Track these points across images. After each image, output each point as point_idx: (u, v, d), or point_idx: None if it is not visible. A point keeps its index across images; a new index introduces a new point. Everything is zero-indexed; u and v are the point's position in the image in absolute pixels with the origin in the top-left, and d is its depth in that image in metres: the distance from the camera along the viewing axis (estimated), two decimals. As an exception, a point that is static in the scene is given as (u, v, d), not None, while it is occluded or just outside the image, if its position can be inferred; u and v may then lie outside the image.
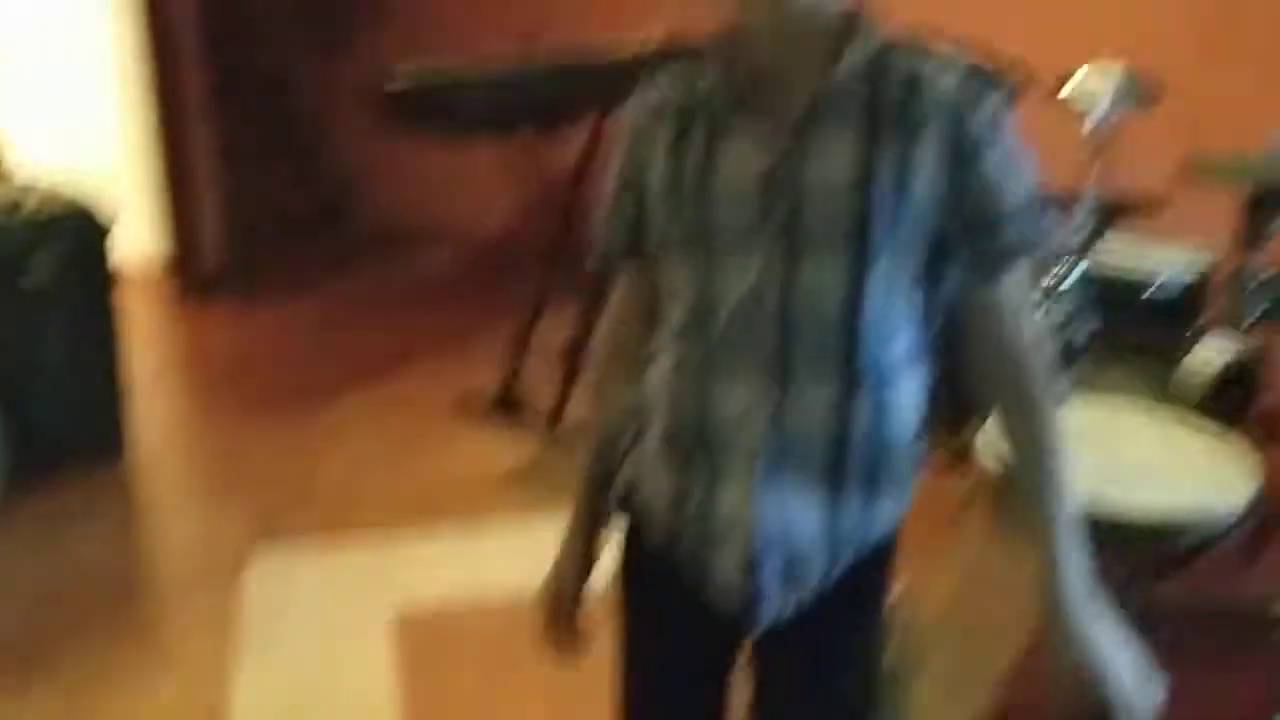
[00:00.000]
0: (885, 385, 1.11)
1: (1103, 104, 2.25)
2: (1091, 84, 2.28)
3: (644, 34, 3.45)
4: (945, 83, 1.08)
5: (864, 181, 1.06)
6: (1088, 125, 2.29)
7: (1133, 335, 2.43)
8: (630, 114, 1.22)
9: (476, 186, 4.72)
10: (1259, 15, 3.23)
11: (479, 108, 2.94)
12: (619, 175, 1.23)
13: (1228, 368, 1.72)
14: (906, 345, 1.13)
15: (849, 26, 1.11)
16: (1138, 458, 1.56)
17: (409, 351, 3.88)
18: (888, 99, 1.08)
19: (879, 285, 1.08)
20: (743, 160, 1.11)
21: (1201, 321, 2.56)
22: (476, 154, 4.31)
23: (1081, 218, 2.34)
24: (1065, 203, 2.40)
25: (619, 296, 1.30)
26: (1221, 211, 2.40)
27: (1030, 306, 1.16)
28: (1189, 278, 2.65)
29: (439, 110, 2.97)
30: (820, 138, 1.08)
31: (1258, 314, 2.44)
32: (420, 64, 2.94)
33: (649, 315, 1.25)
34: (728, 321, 1.12)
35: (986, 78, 1.11)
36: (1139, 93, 2.36)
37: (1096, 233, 2.42)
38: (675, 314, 1.18)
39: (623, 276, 1.29)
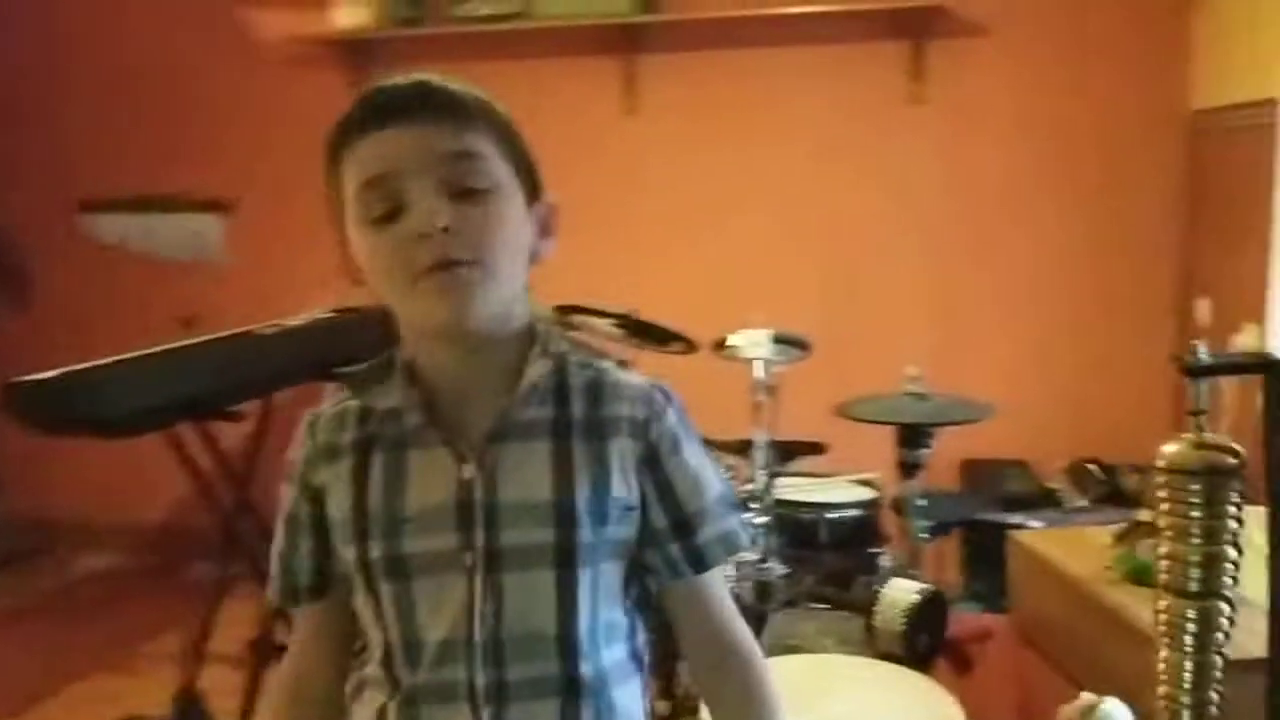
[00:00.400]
0: (608, 687, 1.08)
1: (762, 360, 2.41)
2: (749, 344, 2.45)
3: (312, 308, 3.40)
4: (629, 390, 1.11)
5: (562, 497, 1.05)
6: (752, 379, 2.45)
7: (818, 567, 2.54)
8: (298, 444, 1.15)
9: (138, 474, 4.37)
10: (872, 273, 3.70)
11: (127, 404, 2.69)
12: (291, 511, 1.15)
13: (916, 608, 1.78)
14: (625, 646, 1.11)
15: (530, 337, 1.11)
16: (848, 712, 1.58)
17: (64, 672, 3.42)
18: (575, 411, 1.09)
19: (590, 595, 1.06)
20: (433, 483, 1.06)
21: (879, 546, 2.76)
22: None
23: (758, 464, 2.46)
24: (741, 450, 2.52)
25: (300, 637, 1.19)
26: (884, 443, 2.58)
27: (728, 595, 1.18)
28: (861, 507, 2.81)
29: (82, 410, 2.70)
30: (512, 456, 1.06)
31: (924, 532, 2.65)
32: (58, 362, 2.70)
33: (337, 655, 1.16)
34: (435, 654, 1.05)
35: (661, 384, 1.14)
36: (791, 348, 2.56)
37: (772, 476, 2.55)
38: (375, 650, 1.09)
39: (304, 615, 1.18)
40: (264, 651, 3.13)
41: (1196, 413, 1.26)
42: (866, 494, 2.85)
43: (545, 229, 1.12)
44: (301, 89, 3.95)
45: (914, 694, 1.62)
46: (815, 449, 2.75)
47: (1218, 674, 1.27)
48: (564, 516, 1.04)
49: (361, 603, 1.10)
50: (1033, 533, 1.96)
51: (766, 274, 3.73)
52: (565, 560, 1.04)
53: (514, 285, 1.08)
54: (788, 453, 2.67)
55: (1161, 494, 1.27)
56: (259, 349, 3.02)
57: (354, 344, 3.31)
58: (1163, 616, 1.29)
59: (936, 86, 3.63)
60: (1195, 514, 1.24)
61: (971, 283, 3.69)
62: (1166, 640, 1.29)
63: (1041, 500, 3.35)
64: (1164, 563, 1.28)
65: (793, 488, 2.74)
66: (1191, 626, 1.26)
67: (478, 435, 1.07)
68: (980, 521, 2.67)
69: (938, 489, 2.88)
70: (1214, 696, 1.27)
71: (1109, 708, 1.35)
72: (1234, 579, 1.25)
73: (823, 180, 3.74)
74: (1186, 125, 3.46)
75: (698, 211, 3.82)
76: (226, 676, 2.99)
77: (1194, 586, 1.26)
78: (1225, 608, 1.25)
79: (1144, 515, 1.70)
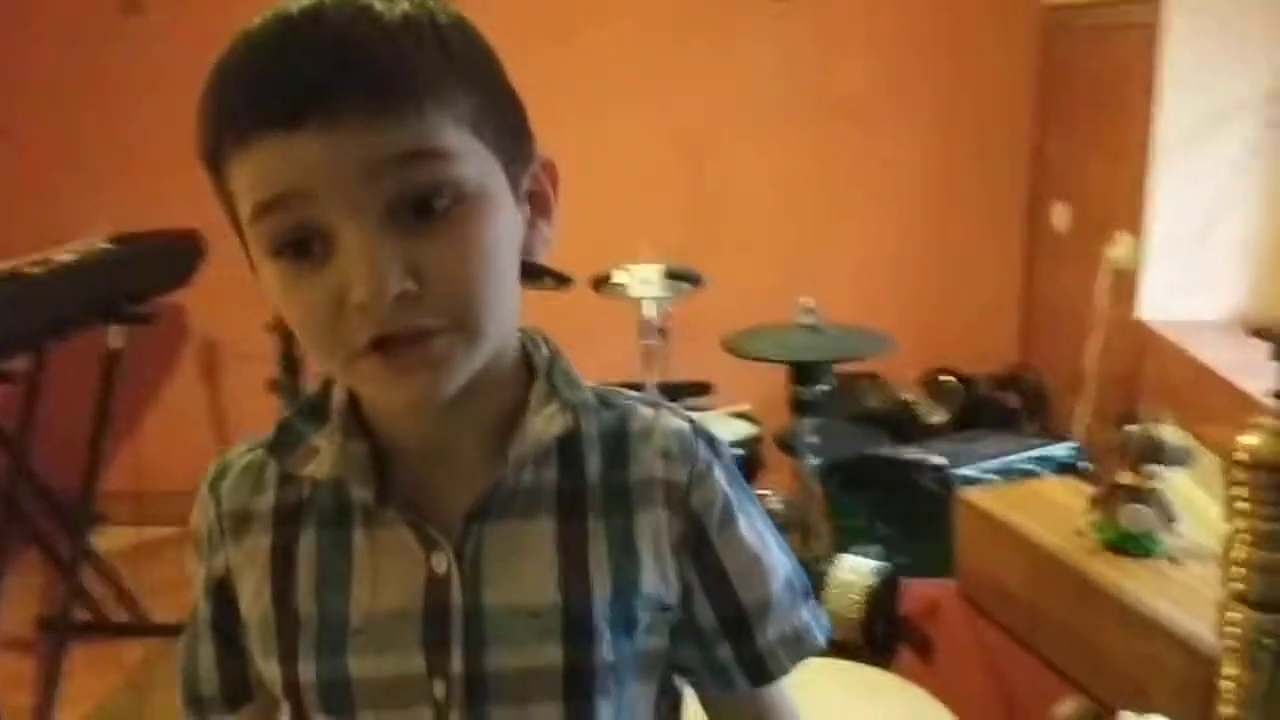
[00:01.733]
0: None
1: (651, 295, 2.14)
2: (638, 280, 2.17)
3: (85, 240, 2.87)
4: (662, 439, 0.78)
5: (573, 598, 0.73)
6: (641, 316, 2.18)
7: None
8: (198, 507, 0.81)
9: None
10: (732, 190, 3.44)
11: None
12: (198, 601, 0.82)
13: (873, 592, 1.58)
14: None
15: (528, 370, 0.78)
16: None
17: None
18: (591, 473, 0.76)
19: None
20: (390, 579, 0.74)
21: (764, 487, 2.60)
22: None
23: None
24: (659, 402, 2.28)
25: None
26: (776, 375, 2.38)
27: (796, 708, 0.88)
28: (741, 445, 2.62)
29: None
30: (503, 541, 0.74)
31: (812, 469, 2.49)
32: None
33: None
34: None
35: (704, 428, 0.82)
36: (681, 283, 2.30)
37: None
38: None
39: None
40: (57, 631, 2.73)
41: (1286, 397, 1.07)
42: (746, 430, 2.66)
43: (542, 206, 0.76)
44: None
45: (903, 704, 1.42)
46: (702, 389, 2.52)
47: (1296, 695, 1.11)
48: (576, 627, 0.74)
49: None
50: (986, 492, 1.79)
51: (627, 197, 3.40)
52: (578, 688, 0.74)
53: (507, 325, 0.74)
54: (673, 395, 2.42)
55: (1239, 491, 1.09)
56: (25, 292, 2.49)
57: (140, 280, 2.92)
58: (1232, 630, 1.12)
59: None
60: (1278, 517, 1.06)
61: (827, 194, 3.49)
62: (1235, 656, 1.12)
63: (899, 415, 3.26)
64: (1237, 569, 1.10)
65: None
66: (1269, 642, 1.09)
67: (455, 511, 0.74)
68: (873, 457, 2.52)
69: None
70: (1291, 718, 1.12)
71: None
72: (1321, 588, 1.08)
73: (676, 89, 3.41)
74: (1038, 23, 3.34)
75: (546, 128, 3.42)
76: (13, 665, 2.58)
77: (1276, 597, 1.08)
78: (1309, 620, 1.09)
79: (1123, 477, 1.54)
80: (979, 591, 1.72)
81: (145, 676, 2.75)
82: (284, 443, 0.78)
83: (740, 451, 2.56)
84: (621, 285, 2.24)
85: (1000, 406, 3.29)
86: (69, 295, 2.67)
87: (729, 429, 2.62)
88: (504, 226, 0.70)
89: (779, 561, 0.82)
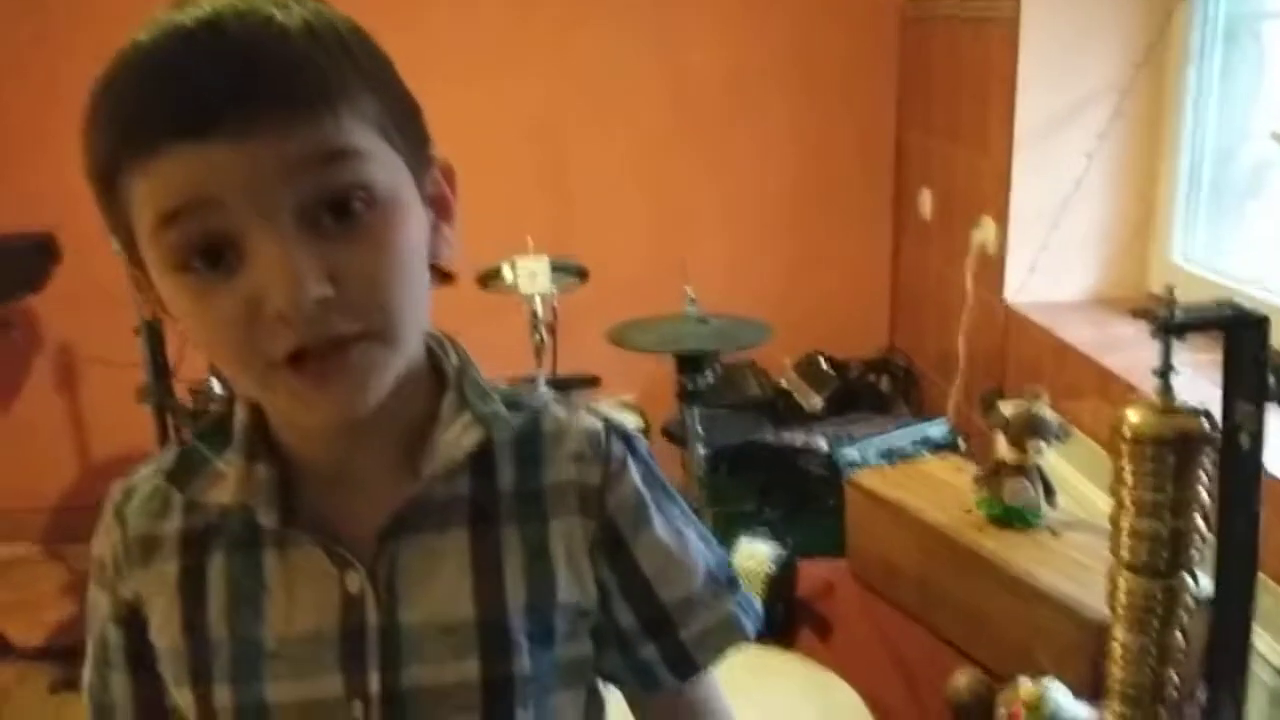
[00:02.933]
0: None
1: (540, 290, 2.13)
2: (524, 274, 2.16)
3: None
4: (574, 439, 0.77)
5: (489, 612, 0.73)
6: (530, 311, 2.17)
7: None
8: (102, 532, 0.78)
9: None
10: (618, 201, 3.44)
11: None
12: (99, 632, 0.79)
13: (773, 580, 1.62)
14: None
15: (438, 379, 0.76)
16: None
17: None
18: (503, 481, 0.75)
19: None
20: (304, 600, 0.73)
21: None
22: None
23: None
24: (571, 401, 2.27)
25: None
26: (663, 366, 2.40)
27: (725, 699, 0.88)
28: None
29: None
30: (417, 556, 0.73)
31: (702, 457, 2.52)
32: None
33: None
34: None
35: (619, 426, 0.81)
36: (567, 276, 2.30)
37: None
38: None
39: None
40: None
41: (1165, 373, 1.13)
42: (633, 421, 2.67)
43: (443, 209, 0.75)
44: None
45: (804, 682, 1.46)
46: (591, 382, 2.52)
47: (1180, 655, 1.18)
48: (493, 640, 0.73)
49: None
50: (871, 473, 1.84)
51: (500, 191, 3.35)
52: (497, 702, 0.73)
53: (420, 331, 0.73)
54: (562, 388, 2.42)
55: (1125, 464, 1.15)
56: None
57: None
58: (1122, 597, 1.18)
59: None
60: (1163, 488, 1.13)
61: (699, 185, 3.53)
62: (1124, 622, 1.19)
63: (776, 401, 3.33)
64: (1127, 540, 1.16)
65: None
66: (1157, 607, 1.16)
67: (367, 529, 0.73)
68: (758, 443, 2.56)
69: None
70: (1174, 677, 1.18)
71: (1056, 695, 1.24)
72: (1200, 554, 1.15)
73: (530, 81, 3.39)
74: (897, 13, 3.45)
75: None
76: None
77: (1161, 565, 1.15)
78: (1191, 584, 1.16)
79: (1004, 454, 1.61)
80: (870, 570, 1.78)
81: (5, 701, 2.61)
82: (186, 469, 0.76)
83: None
84: (509, 280, 2.22)
85: (873, 390, 3.39)
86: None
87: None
88: (415, 230, 0.69)
89: (699, 555, 0.82)
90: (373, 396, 0.68)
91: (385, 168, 0.67)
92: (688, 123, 3.45)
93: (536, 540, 0.75)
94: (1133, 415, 1.13)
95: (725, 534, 2.26)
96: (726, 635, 0.82)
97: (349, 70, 0.66)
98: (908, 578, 1.69)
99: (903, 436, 2.47)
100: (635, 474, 0.79)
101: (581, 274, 2.37)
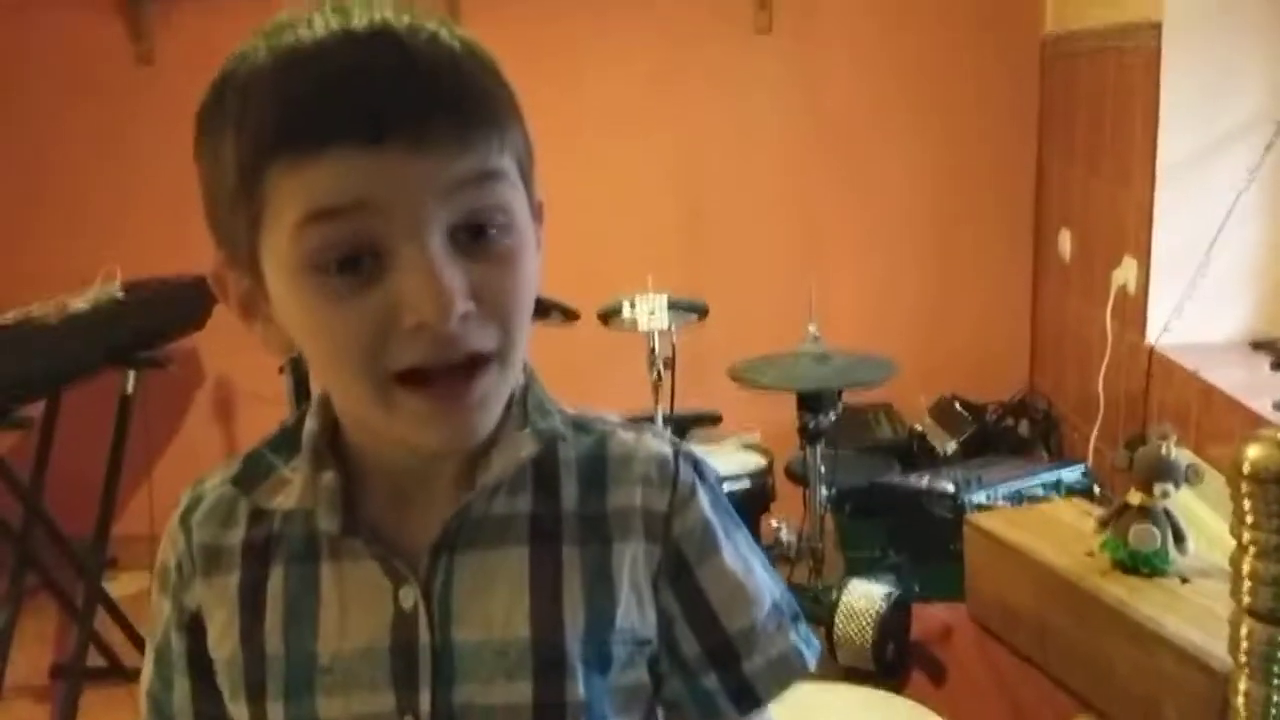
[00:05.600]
0: None
1: (658, 327, 2.16)
2: (644, 312, 2.18)
3: (101, 281, 2.91)
4: (641, 464, 0.77)
5: (546, 633, 0.72)
6: (649, 348, 2.20)
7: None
8: (168, 542, 0.80)
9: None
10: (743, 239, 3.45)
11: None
12: (161, 640, 0.81)
13: (883, 617, 1.58)
14: None
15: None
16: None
17: None
18: (566, 501, 0.75)
19: None
20: (358, 615, 0.73)
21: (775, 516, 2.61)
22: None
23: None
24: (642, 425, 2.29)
25: None
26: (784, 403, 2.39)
27: None
28: (752, 477, 2.62)
29: None
30: (472, 573, 0.73)
31: (827, 501, 2.49)
32: None
33: None
34: None
35: (689, 451, 0.81)
36: (687, 314, 2.32)
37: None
38: None
39: None
40: (71, 677, 2.73)
41: (1288, 408, 1.07)
42: (758, 461, 2.66)
43: (538, 244, 0.75)
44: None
45: (909, 725, 1.42)
46: (712, 420, 2.53)
47: (1309, 706, 1.10)
48: (547, 663, 0.72)
49: None
50: (992, 514, 1.78)
51: (630, 231, 3.42)
52: None
53: (523, 360, 0.74)
54: (683, 426, 2.43)
55: (1245, 504, 1.09)
56: (38, 339, 2.52)
57: (153, 324, 2.95)
58: (1244, 644, 1.12)
59: (783, 13, 3.40)
60: (1287, 527, 1.06)
61: (830, 220, 3.51)
62: (1247, 671, 1.12)
63: (910, 444, 3.26)
64: (1247, 583, 1.10)
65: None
66: (1281, 655, 1.09)
67: (423, 542, 0.73)
68: (884, 485, 2.51)
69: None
70: (1304, 731, 1.11)
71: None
72: (1330, 599, 1.08)
73: (673, 122, 3.45)
74: (1038, 49, 3.38)
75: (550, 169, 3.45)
76: (27, 712, 2.57)
77: (1286, 610, 1.08)
78: (1320, 632, 1.08)
79: (1133, 498, 1.54)
80: (989, 614, 1.71)
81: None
82: (251, 475, 0.78)
83: (749, 483, 2.56)
84: (629, 318, 2.25)
85: (1011, 434, 3.29)
86: (82, 342, 2.70)
87: (739, 460, 2.63)
88: (535, 260, 0.71)
89: (765, 586, 0.81)
90: (489, 424, 0.70)
91: (519, 196, 0.70)
92: (823, 156, 3.46)
93: (598, 563, 0.74)
94: (1252, 451, 1.08)
95: (848, 577, 2.23)
96: (788, 668, 0.81)
97: (507, 98, 0.70)
98: (1027, 622, 1.63)
99: (1034, 480, 2.39)
100: (704, 500, 0.78)
101: (702, 311, 2.39)
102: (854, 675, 1.60)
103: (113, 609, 3.05)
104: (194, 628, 0.79)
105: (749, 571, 0.80)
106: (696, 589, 0.78)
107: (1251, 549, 1.09)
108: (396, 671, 0.72)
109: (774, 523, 2.69)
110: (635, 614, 0.75)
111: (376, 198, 0.63)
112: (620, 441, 0.79)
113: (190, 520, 0.79)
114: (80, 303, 2.75)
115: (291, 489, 0.75)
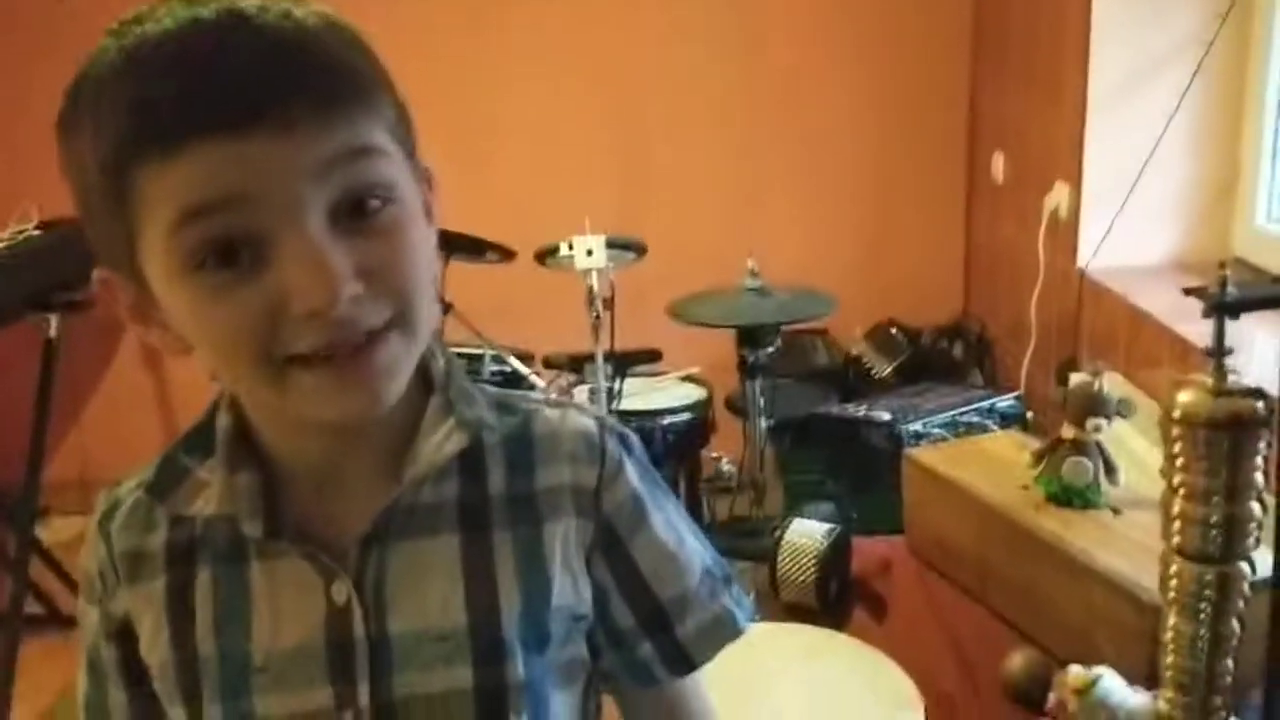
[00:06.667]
0: None
1: (596, 266, 2.13)
2: (582, 251, 2.16)
3: (16, 220, 2.81)
4: (568, 441, 0.77)
5: (482, 618, 0.72)
6: (587, 287, 2.17)
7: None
8: (89, 548, 0.78)
9: None
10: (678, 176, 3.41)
11: None
12: (91, 650, 0.80)
13: (826, 554, 1.60)
14: None
15: (424, 382, 0.75)
16: (794, 702, 1.40)
17: None
18: (494, 484, 0.75)
19: None
20: (290, 613, 0.72)
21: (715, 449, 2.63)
22: None
23: (599, 381, 2.22)
24: (576, 366, 2.28)
25: None
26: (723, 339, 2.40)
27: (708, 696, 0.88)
28: (692, 410, 2.63)
29: None
30: (405, 563, 0.72)
31: (763, 430, 2.52)
32: None
33: None
34: None
35: (613, 425, 0.81)
36: (625, 252, 2.30)
37: (614, 385, 2.32)
38: None
39: None
40: (9, 626, 2.69)
41: (1219, 354, 1.09)
42: (696, 394, 2.67)
43: (429, 215, 0.73)
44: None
45: (854, 662, 1.45)
46: (652, 356, 2.52)
47: (1234, 642, 1.14)
48: (486, 647, 0.72)
49: None
50: (929, 450, 1.81)
51: (566, 172, 3.36)
52: (492, 709, 0.72)
53: (431, 326, 0.71)
54: (623, 363, 2.43)
55: (1175, 448, 1.11)
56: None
57: (75, 266, 2.85)
58: (1173, 582, 1.15)
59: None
60: (1217, 472, 1.09)
61: (763, 154, 3.48)
62: (1176, 608, 1.15)
63: (847, 370, 3.29)
64: (1176, 524, 1.13)
65: (630, 397, 2.52)
66: (1209, 593, 1.12)
67: (352, 537, 0.72)
68: (822, 416, 2.54)
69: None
70: (1229, 665, 1.15)
71: (1107, 683, 1.21)
72: (1257, 539, 1.11)
73: (607, 60, 3.37)
74: (971, -27, 3.35)
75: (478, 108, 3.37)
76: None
77: (1214, 551, 1.11)
78: (1246, 571, 1.12)
79: (1066, 432, 1.57)
80: (927, 548, 1.75)
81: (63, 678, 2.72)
82: (166, 481, 0.76)
83: (689, 416, 2.57)
84: (566, 257, 2.22)
85: (945, 357, 3.33)
86: (1, 285, 2.61)
87: (680, 394, 2.64)
88: (423, 228, 0.70)
89: (695, 554, 0.82)
90: (395, 391, 0.68)
91: (399, 167, 0.68)
92: (756, 87, 3.41)
93: (530, 544, 0.74)
94: (1183, 396, 1.09)
95: (790, 508, 2.26)
96: (721, 631, 0.83)
97: (373, 71, 0.67)
98: (965, 556, 1.67)
99: (971, 409, 2.42)
100: (632, 473, 0.79)
101: (639, 250, 2.37)
102: (797, 612, 1.63)
103: (46, 556, 3.00)
104: (124, 634, 0.77)
105: (680, 541, 0.81)
106: (629, 561, 0.78)
107: (1181, 491, 1.11)
108: (333, 667, 0.72)
109: (714, 455, 2.71)
110: (570, 591, 0.76)
111: (247, 188, 0.61)
112: (545, 420, 0.79)
113: (109, 526, 0.77)
114: (-6, 246, 2.65)
115: (210, 493, 0.74)
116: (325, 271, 0.62)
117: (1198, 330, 2.12)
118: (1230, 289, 1.06)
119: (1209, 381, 1.09)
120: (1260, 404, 1.07)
